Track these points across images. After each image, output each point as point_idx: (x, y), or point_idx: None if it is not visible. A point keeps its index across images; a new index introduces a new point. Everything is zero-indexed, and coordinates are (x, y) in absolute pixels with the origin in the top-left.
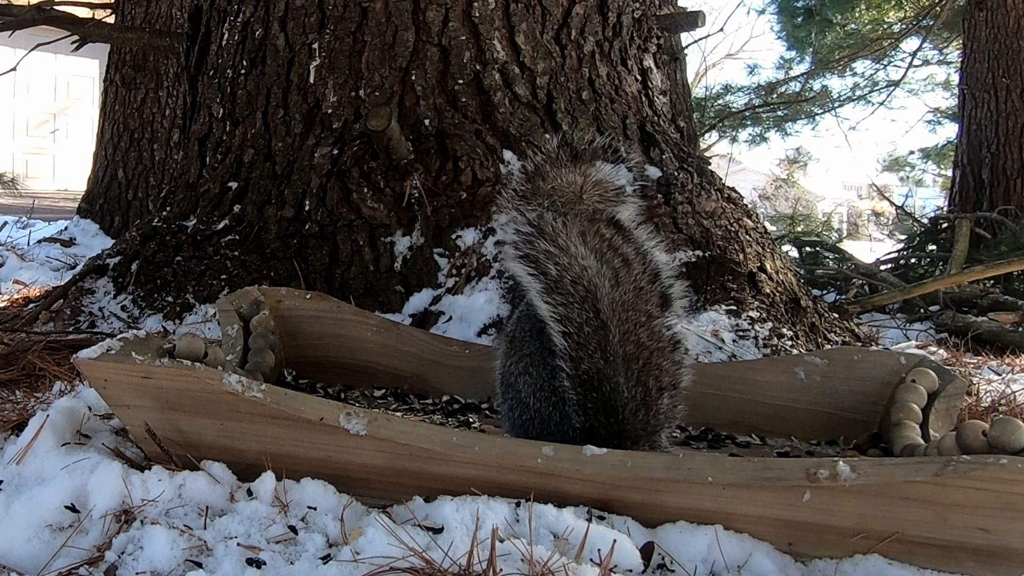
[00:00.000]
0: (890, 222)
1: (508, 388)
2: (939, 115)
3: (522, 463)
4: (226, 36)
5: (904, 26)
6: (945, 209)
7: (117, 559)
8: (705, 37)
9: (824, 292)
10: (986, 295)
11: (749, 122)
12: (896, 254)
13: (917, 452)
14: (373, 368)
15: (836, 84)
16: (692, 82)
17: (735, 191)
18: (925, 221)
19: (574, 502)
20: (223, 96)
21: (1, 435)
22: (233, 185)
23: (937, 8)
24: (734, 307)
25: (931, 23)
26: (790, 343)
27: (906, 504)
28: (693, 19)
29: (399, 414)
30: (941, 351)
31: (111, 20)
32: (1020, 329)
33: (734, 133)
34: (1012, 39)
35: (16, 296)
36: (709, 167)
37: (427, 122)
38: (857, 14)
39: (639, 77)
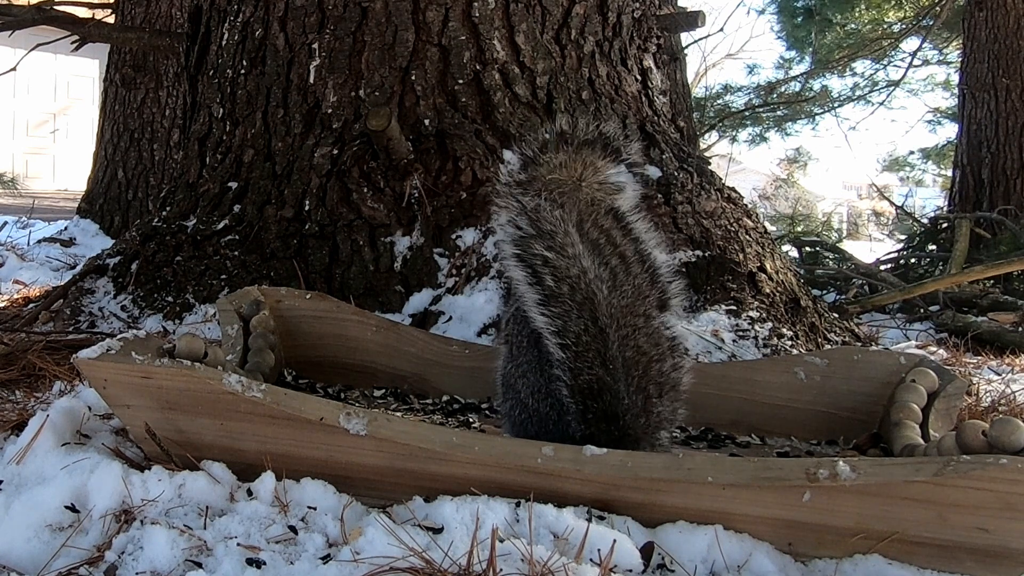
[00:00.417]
0: (890, 222)
1: (508, 389)
2: (939, 115)
3: (522, 463)
4: (226, 36)
5: (904, 26)
6: (945, 209)
7: (117, 559)
8: (705, 37)
9: (824, 292)
10: (986, 295)
11: (749, 122)
12: (896, 254)
13: (917, 452)
14: (373, 368)
15: (836, 84)
16: (692, 82)
17: (735, 191)
18: (925, 221)
19: (574, 502)
20: (223, 96)
21: (1, 435)
22: (233, 185)
23: (937, 8)
24: (734, 307)
25: (931, 23)
26: (790, 343)
27: (906, 504)
28: (693, 19)
29: (399, 414)
30: (941, 351)
31: (111, 20)
32: (1020, 329)
33: (734, 133)
34: (1012, 39)
35: (16, 296)
36: (709, 167)
37: (427, 122)
38: (857, 14)
39: (639, 77)
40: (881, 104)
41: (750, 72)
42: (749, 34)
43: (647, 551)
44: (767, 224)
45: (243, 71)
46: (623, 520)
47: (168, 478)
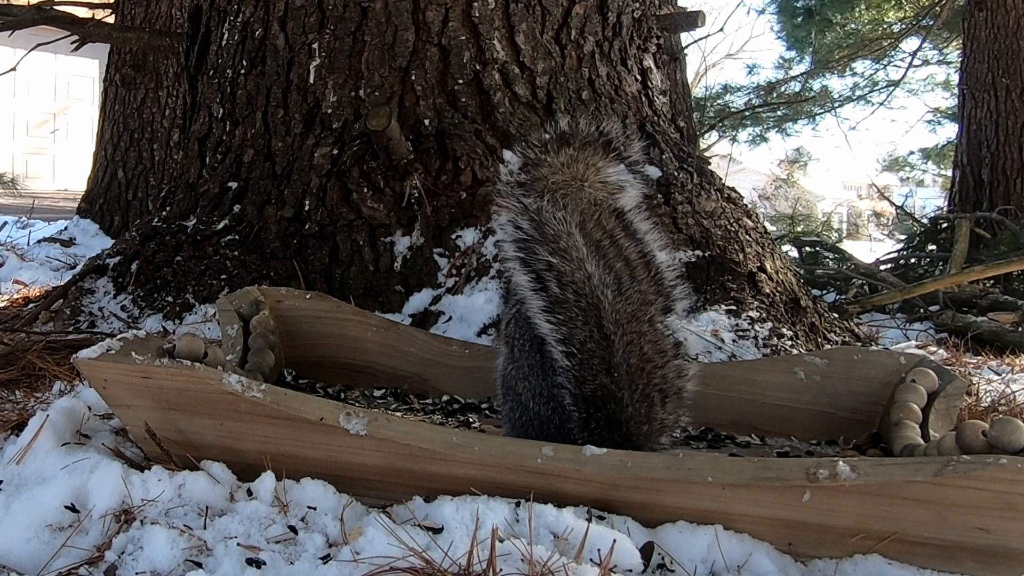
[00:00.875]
0: (890, 222)
1: (509, 390)
2: (939, 115)
3: (522, 463)
4: (226, 36)
5: (904, 26)
6: (945, 209)
7: (117, 559)
8: (705, 37)
9: (824, 292)
10: (986, 295)
11: (749, 122)
12: (896, 254)
13: (917, 452)
14: (373, 368)
15: (836, 84)
16: (692, 82)
17: (735, 191)
18: (925, 221)
19: (574, 502)
20: (223, 96)
21: (1, 435)
22: (233, 185)
23: (937, 8)
24: (734, 307)
25: (931, 23)
26: (790, 343)
27: (906, 504)
28: (693, 19)
29: (399, 414)
30: (941, 351)
31: (111, 20)
32: (1020, 329)
33: (734, 133)
34: (1012, 39)
35: (16, 296)
36: (709, 167)
37: (427, 122)
38: (857, 14)
39: (639, 77)
40: (881, 104)
41: (750, 72)
42: (749, 34)
43: (647, 551)
44: (767, 224)
45: (243, 71)
46: (623, 520)
47: (168, 478)
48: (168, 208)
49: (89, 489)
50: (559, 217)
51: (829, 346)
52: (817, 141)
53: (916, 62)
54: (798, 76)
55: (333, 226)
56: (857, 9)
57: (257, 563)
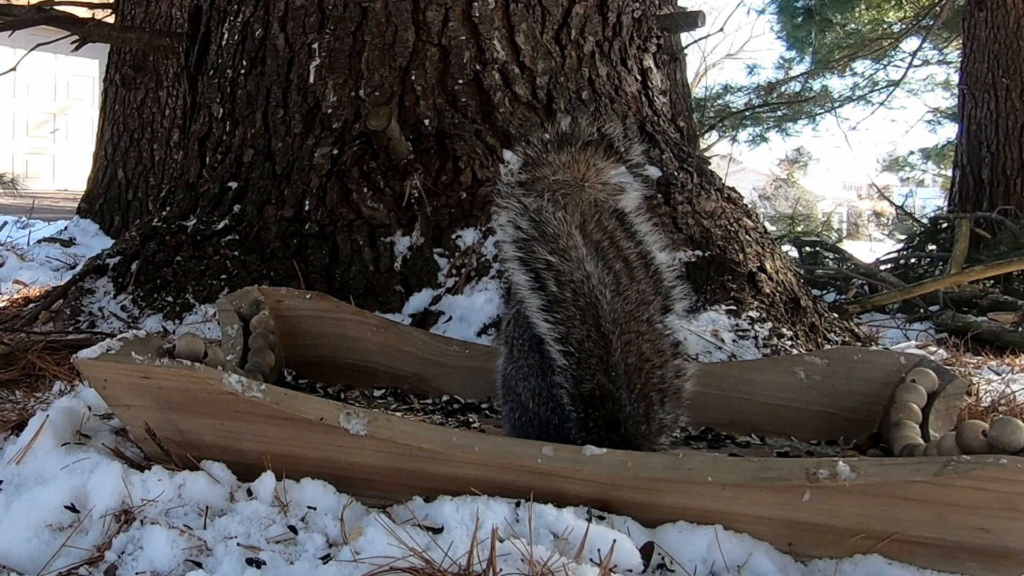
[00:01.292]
0: (890, 222)
1: (509, 391)
2: (939, 115)
3: (522, 463)
4: (226, 36)
5: (904, 26)
6: (945, 209)
7: (117, 559)
8: (705, 37)
9: (824, 292)
10: (986, 295)
11: (749, 122)
12: (896, 254)
13: (917, 452)
14: (373, 368)
15: (836, 84)
16: (692, 82)
17: (735, 191)
18: (925, 221)
19: (574, 502)
20: (223, 96)
21: (1, 435)
22: (233, 185)
23: (937, 8)
24: (734, 307)
25: (931, 23)
26: (790, 343)
27: (906, 504)
28: (693, 19)
29: (399, 414)
30: (941, 351)
31: (111, 20)
32: (1020, 329)
33: (734, 133)
34: (1012, 39)
35: (16, 296)
36: (709, 167)
37: (427, 122)
38: (857, 14)
39: (639, 77)
40: (881, 104)
41: (750, 72)
42: (749, 34)
43: (647, 551)
44: (767, 224)
45: (243, 71)
46: (623, 520)
47: (168, 478)
48: (168, 208)
49: (89, 489)
50: (559, 217)
51: (829, 346)
52: (817, 141)
53: (916, 62)
54: (798, 76)
55: (333, 226)
56: (857, 9)
57: (257, 563)
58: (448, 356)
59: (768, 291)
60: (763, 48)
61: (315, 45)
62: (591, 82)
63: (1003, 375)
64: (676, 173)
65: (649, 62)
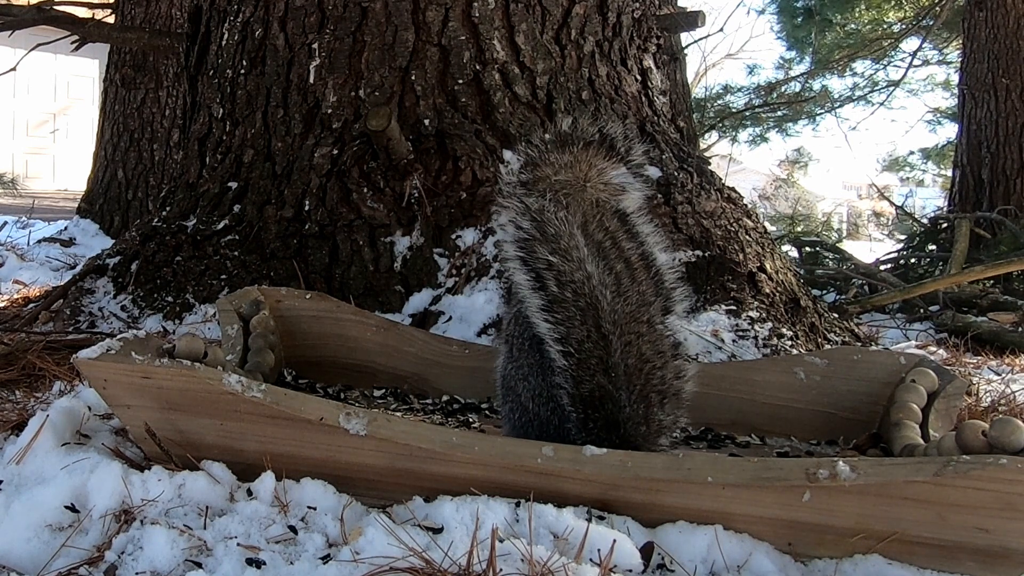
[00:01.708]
0: (890, 222)
1: (508, 391)
2: (939, 115)
3: (522, 463)
4: (226, 36)
5: (904, 26)
6: (945, 209)
7: (117, 559)
8: (705, 37)
9: (824, 292)
10: (986, 295)
11: (749, 122)
12: (896, 254)
13: (917, 452)
14: (373, 368)
15: (836, 84)
16: (692, 82)
17: (735, 191)
18: (925, 221)
19: (574, 502)
20: (223, 96)
21: (1, 435)
22: (233, 185)
23: (937, 8)
24: (734, 307)
25: (931, 23)
26: (790, 343)
27: (906, 504)
28: (693, 19)
29: (399, 414)
30: (941, 351)
31: (111, 20)
32: (1020, 329)
33: (734, 133)
34: (1012, 39)
35: (16, 296)
36: (709, 167)
37: (427, 122)
38: (857, 14)
39: (639, 77)
40: (881, 104)
41: (750, 72)
42: (749, 34)
43: (647, 551)
44: (767, 224)
45: (243, 71)
46: (623, 520)
47: (168, 478)
48: (168, 208)
49: (89, 489)
50: (561, 217)
51: (829, 346)
52: (817, 141)
53: (916, 62)
54: (798, 76)
55: (333, 226)
56: (857, 9)
57: (257, 563)
58: (448, 356)
59: (768, 291)
60: (763, 48)
61: (315, 45)
62: (591, 82)
63: (1003, 375)
64: (676, 173)
65: (649, 62)
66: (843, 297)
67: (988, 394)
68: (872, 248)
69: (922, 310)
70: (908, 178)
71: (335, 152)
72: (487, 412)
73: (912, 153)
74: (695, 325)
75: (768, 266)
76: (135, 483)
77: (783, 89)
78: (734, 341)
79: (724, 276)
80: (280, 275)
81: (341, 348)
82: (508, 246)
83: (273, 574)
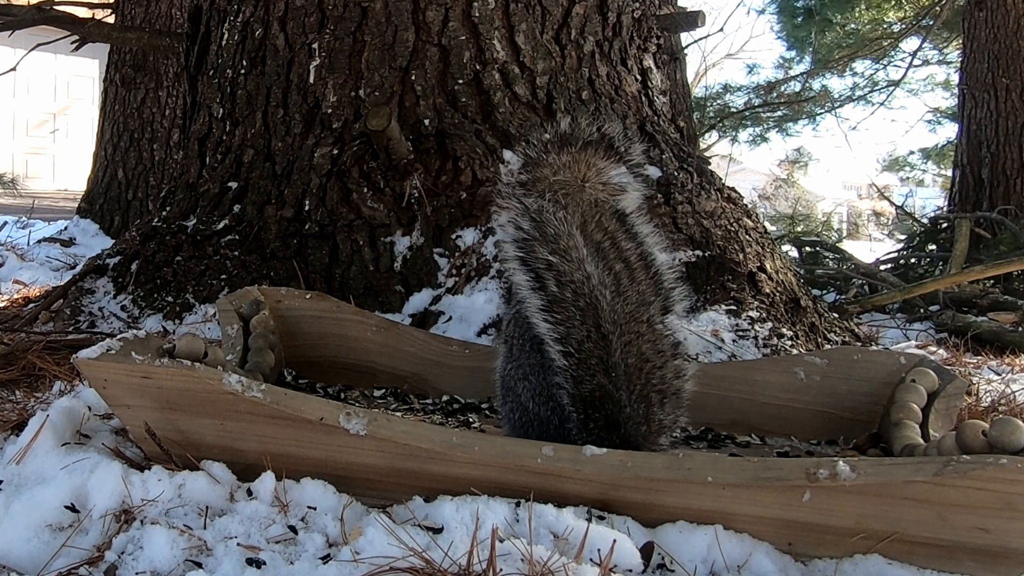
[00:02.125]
0: (890, 222)
1: (508, 391)
2: (939, 115)
3: (522, 463)
4: (226, 36)
5: (904, 26)
6: (945, 209)
7: (117, 559)
8: (705, 37)
9: (824, 292)
10: (986, 295)
11: (749, 122)
12: (896, 254)
13: (917, 452)
14: (373, 368)
15: (836, 84)
16: (692, 82)
17: (735, 191)
18: (925, 221)
19: (574, 502)
20: (223, 96)
21: (1, 435)
22: (233, 185)
23: (937, 8)
24: (734, 307)
25: (931, 23)
26: (790, 343)
27: (906, 504)
28: (693, 19)
29: (399, 414)
30: (941, 351)
31: (111, 20)
32: (1020, 329)
33: (734, 133)
34: (1012, 39)
35: (16, 296)
36: (709, 167)
37: (427, 122)
38: (857, 14)
39: (639, 77)
40: (881, 104)
41: (750, 72)
42: (749, 34)
43: (647, 551)
44: (767, 224)
45: (243, 71)
46: (623, 520)
47: (168, 478)
48: (168, 208)
49: (89, 489)
50: (560, 217)
51: (829, 346)
52: (817, 141)
53: (916, 62)
54: (798, 76)
55: (333, 226)
56: (857, 9)
57: (257, 563)
58: (448, 356)
59: (768, 291)
60: (763, 48)
61: (315, 45)
62: (591, 82)
63: (1003, 375)
64: (676, 173)
65: (649, 62)
66: (843, 297)
67: (988, 394)
68: (872, 248)
69: (922, 310)
70: (908, 178)
71: (335, 152)
72: (487, 412)
73: (912, 153)
74: (695, 325)
75: (768, 266)
76: (135, 483)
77: (783, 89)
78: (734, 341)
79: (724, 276)
80: (280, 275)
81: (341, 348)
82: (508, 246)
83: (273, 574)
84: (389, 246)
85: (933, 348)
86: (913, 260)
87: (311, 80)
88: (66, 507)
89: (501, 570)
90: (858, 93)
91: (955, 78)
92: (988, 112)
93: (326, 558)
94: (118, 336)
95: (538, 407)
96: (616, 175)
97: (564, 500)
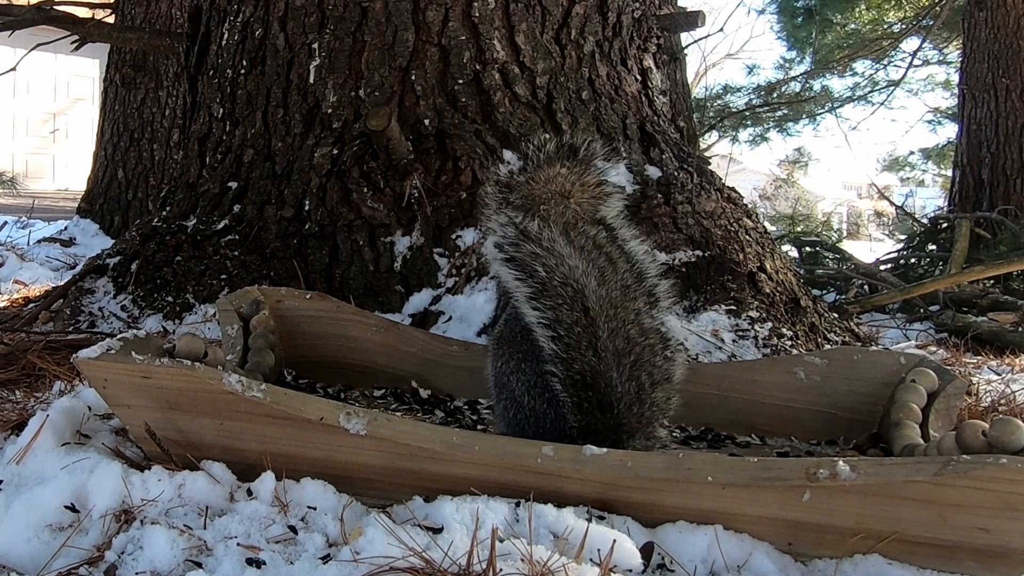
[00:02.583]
0: (890, 222)
1: (502, 388)
2: (939, 115)
3: (522, 463)
4: (226, 36)
5: (904, 26)
6: (945, 209)
7: (117, 559)
8: (705, 37)
9: (824, 292)
10: (986, 295)
11: (749, 122)
12: (896, 254)
13: (917, 452)
14: (373, 368)
15: (836, 84)
16: (692, 82)
17: (735, 191)
18: (925, 221)
19: (574, 502)
20: (223, 96)
21: (1, 435)
22: (233, 185)
23: (937, 8)
24: (734, 307)
25: (931, 23)
26: (790, 343)
27: (906, 504)
28: (693, 19)
29: (399, 414)
30: (941, 351)
31: (111, 20)
32: (1020, 329)
33: (734, 133)
34: (1012, 39)
35: (16, 296)
36: (709, 167)
37: (427, 122)
38: (857, 14)
39: (639, 77)
40: (881, 104)
41: (750, 72)
42: (749, 34)
43: (647, 551)
44: (767, 224)
45: (243, 71)
46: (623, 520)
47: (168, 478)
48: (168, 208)
49: (89, 489)
50: (542, 226)
51: (829, 346)
52: (817, 141)
53: (916, 62)
54: (798, 76)
55: (333, 226)
56: (857, 9)
57: (257, 563)
58: (448, 356)
59: (768, 291)
60: (763, 48)
61: (315, 45)
62: (591, 82)
63: (1003, 375)
64: (676, 173)
65: (649, 62)
66: (843, 297)
67: (988, 394)
68: (872, 248)
69: (922, 310)
70: (908, 178)
71: (335, 152)
72: (487, 412)
73: (912, 153)
74: (695, 325)
75: (768, 266)
76: (135, 483)
77: (783, 89)
78: (734, 341)
79: (724, 276)
80: (280, 275)
81: (341, 348)
82: (494, 247)
83: (273, 574)
84: (389, 246)
85: (933, 348)
86: (913, 260)
87: (311, 80)
88: (66, 507)
89: (501, 570)
90: (858, 93)
91: (955, 78)
92: (988, 112)
93: (326, 558)
94: (118, 336)
95: (533, 400)
96: (595, 185)
97: (564, 500)
